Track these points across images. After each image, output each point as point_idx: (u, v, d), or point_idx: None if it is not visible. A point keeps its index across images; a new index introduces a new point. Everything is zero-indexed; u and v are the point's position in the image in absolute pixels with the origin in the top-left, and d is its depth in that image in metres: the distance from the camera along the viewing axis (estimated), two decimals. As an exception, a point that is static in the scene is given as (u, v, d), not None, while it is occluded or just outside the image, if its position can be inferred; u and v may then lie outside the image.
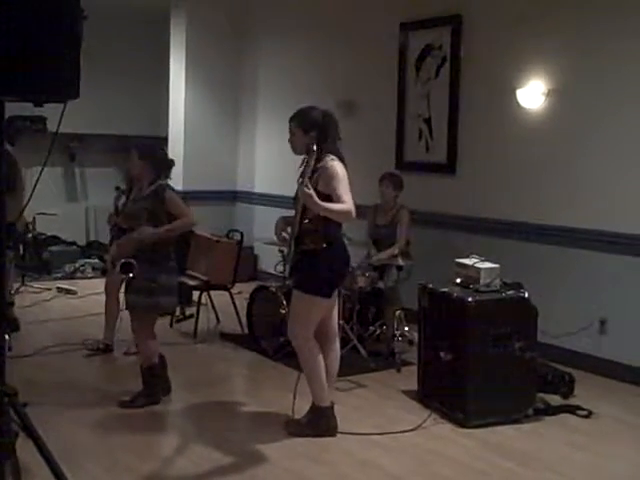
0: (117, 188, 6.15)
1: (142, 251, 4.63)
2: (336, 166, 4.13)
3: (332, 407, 4.37)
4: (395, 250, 5.99)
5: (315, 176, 4.12)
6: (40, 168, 2.99)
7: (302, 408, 4.46)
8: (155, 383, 4.78)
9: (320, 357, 4.29)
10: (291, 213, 4.28)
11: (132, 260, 4.58)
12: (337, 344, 4.48)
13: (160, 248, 4.67)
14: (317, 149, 4.10)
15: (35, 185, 3.05)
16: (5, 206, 2.77)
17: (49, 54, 2.57)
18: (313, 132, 4.17)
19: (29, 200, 3.41)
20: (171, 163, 4.99)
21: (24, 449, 2.96)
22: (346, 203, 4.05)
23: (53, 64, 2.58)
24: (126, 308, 4.82)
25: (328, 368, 4.37)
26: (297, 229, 4.16)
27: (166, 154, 5.10)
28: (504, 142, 6.25)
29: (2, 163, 2.73)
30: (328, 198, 4.06)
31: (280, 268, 4.70)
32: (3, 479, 2.69)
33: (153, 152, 4.93)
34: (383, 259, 5.95)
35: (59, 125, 2.87)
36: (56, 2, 2.57)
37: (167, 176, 4.91)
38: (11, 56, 2.50)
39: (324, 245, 4.14)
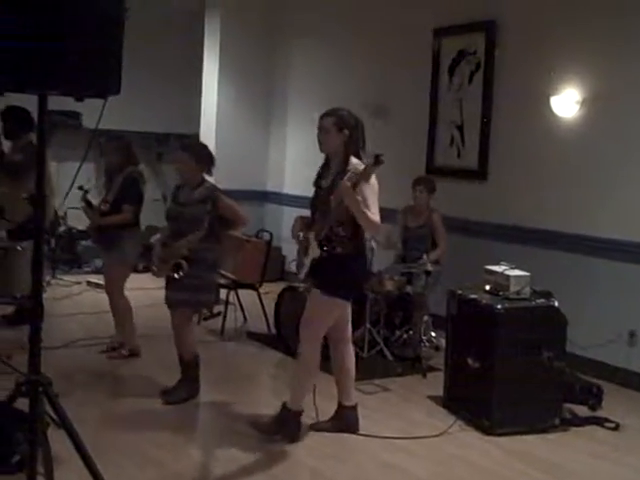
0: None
1: (194, 251, 4.69)
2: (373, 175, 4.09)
3: (300, 414, 4.33)
4: (438, 252, 6.05)
5: (341, 180, 4.06)
6: (73, 163, 3.06)
7: (327, 409, 4.47)
8: (196, 376, 4.87)
9: (316, 364, 4.27)
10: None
11: (183, 262, 4.64)
12: (351, 347, 4.48)
13: (208, 248, 4.74)
14: (346, 152, 4.10)
15: (74, 180, 3.10)
16: (45, 202, 2.81)
17: (92, 49, 2.59)
18: (346, 131, 4.15)
19: (67, 194, 3.45)
20: (214, 159, 4.97)
21: (55, 439, 3.01)
22: (375, 215, 4.02)
23: (95, 59, 2.61)
24: (168, 304, 4.85)
25: (348, 370, 4.40)
26: (325, 232, 4.12)
27: (209, 149, 5.06)
28: (536, 150, 6.21)
29: (44, 157, 2.77)
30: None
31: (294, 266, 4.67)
32: (35, 467, 2.73)
33: (202, 151, 4.93)
34: (431, 261, 5.91)
35: (99, 120, 2.91)
36: (100, -1, 2.61)
37: (210, 172, 4.92)
38: (54, 51, 2.53)
39: (353, 251, 4.14)
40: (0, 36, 2.45)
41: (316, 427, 4.43)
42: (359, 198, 3.94)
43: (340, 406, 4.47)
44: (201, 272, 4.70)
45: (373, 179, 4.06)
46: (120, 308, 5.69)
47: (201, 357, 4.93)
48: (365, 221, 4.03)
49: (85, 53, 2.58)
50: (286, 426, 4.29)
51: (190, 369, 4.87)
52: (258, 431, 4.32)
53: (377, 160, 3.83)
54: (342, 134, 4.15)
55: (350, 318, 4.44)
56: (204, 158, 4.86)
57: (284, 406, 4.32)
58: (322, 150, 4.26)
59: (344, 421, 4.44)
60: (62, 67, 2.56)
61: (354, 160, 4.13)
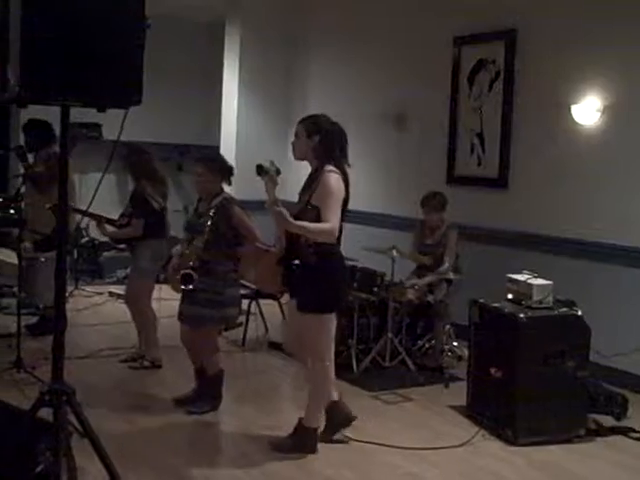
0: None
1: (206, 262, 4.66)
2: (332, 179, 3.98)
3: (317, 430, 4.27)
4: (441, 269, 5.92)
5: (312, 186, 4.05)
6: (94, 174, 3.07)
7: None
8: (219, 391, 4.87)
9: (331, 385, 4.22)
10: None
11: (193, 272, 4.61)
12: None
13: (225, 261, 4.72)
14: (317, 158, 4.05)
15: (96, 191, 3.11)
16: (68, 212, 2.83)
17: (113, 61, 2.61)
18: (316, 137, 4.08)
19: (89, 205, 3.48)
20: (232, 169, 4.97)
21: (78, 448, 3.02)
22: (328, 222, 3.92)
23: (117, 71, 2.63)
24: (183, 319, 4.81)
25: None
26: (285, 244, 4.05)
27: (227, 161, 5.06)
28: (558, 158, 6.18)
29: (67, 168, 2.79)
30: (318, 210, 3.97)
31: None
32: (59, 476, 2.74)
33: (220, 164, 4.92)
34: (425, 284, 5.90)
35: (120, 131, 2.92)
36: (122, 10, 2.63)
37: (229, 183, 4.93)
38: (76, 62, 2.55)
39: (317, 260, 3.99)
40: (24, 49, 2.48)
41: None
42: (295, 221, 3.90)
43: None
44: (222, 287, 4.67)
45: (330, 182, 3.97)
46: (142, 320, 5.70)
47: (223, 367, 4.92)
48: (310, 234, 3.95)
49: (107, 64, 2.60)
50: (303, 444, 4.23)
51: (215, 384, 4.85)
52: (275, 450, 4.24)
53: (257, 171, 3.90)
54: (311, 140, 4.09)
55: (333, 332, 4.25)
56: (220, 169, 4.86)
57: (300, 423, 4.27)
58: (293, 156, 4.21)
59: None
60: (85, 78, 2.58)
61: (328, 168, 4.04)
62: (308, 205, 4.01)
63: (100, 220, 5.52)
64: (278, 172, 3.97)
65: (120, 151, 8.47)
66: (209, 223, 4.63)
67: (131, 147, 5.74)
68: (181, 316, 4.82)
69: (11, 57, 2.57)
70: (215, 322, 4.80)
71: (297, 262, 4.02)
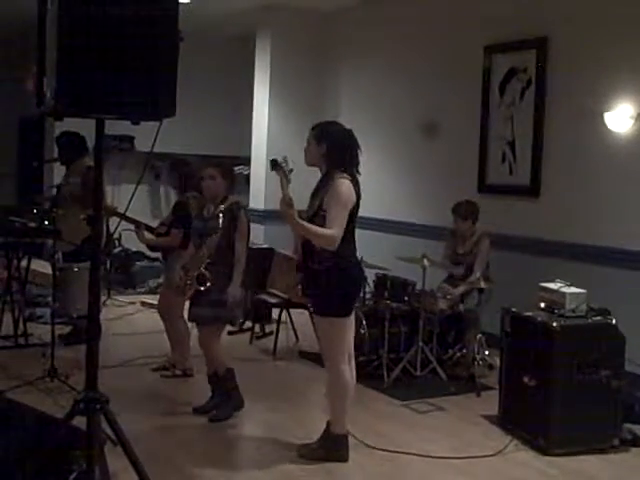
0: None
1: (215, 264, 4.72)
2: (341, 185, 4.00)
3: (347, 436, 4.27)
4: (471, 278, 5.89)
5: (322, 192, 4.07)
6: (126, 186, 3.11)
7: (366, 422, 4.44)
8: (235, 387, 4.90)
9: (349, 385, 4.20)
10: None
11: (206, 272, 4.68)
12: (352, 365, 4.32)
13: (222, 261, 4.76)
14: (326, 164, 4.07)
15: (130, 201, 3.17)
16: (101, 223, 2.87)
17: (148, 74, 2.65)
18: (325, 144, 4.10)
19: (124, 214, 3.52)
20: (237, 179, 5.08)
21: (110, 455, 3.05)
22: (332, 228, 3.93)
23: (151, 84, 2.66)
24: (195, 320, 4.89)
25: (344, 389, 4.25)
26: (301, 249, 4.09)
27: (235, 170, 5.15)
28: (590, 166, 6.12)
29: (102, 180, 2.83)
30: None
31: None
32: (93, 484, 2.77)
33: (232, 171, 5.06)
34: (457, 294, 5.88)
35: (154, 143, 2.96)
36: (156, 24, 2.66)
37: (232, 191, 4.99)
38: (111, 76, 2.59)
39: (329, 265, 4.02)
40: (60, 62, 2.52)
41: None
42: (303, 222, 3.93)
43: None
44: (224, 288, 4.71)
45: (339, 187, 3.99)
46: (174, 329, 5.73)
47: (253, 376, 4.97)
48: (312, 237, 3.97)
49: (142, 77, 2.64)
50: (332, 451, 4.23)
51: (227, 382, 4.89)
52: (304, 457, 4.24)
53: (271, 166, 3.90)
54: (320, 147, 4.12)
55: (351, 335, 4.29)
56: (231, 176, 4.97)
57: (328, 431, 4.27)
58: (305, 162, 4.22)
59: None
60: (120, 91, 2.62)
61: (339, 174, 4.05)
62: (320, 210, 4.03)
63: (139, 226, 5.60)
64: (291, 170, 3.97)
65: (163, 164, 8.59)
66: (220, 226, 4.71)
67: (176, 160, 5.82)
68: (190, 317, 4.92)
69: (48, 70, 2.62)
70: (220, 322, 4.85)
71: (315, 268, 4.05)
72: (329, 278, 4.05)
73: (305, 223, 3.96)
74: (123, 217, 5.28)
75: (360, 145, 4.19)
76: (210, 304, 4.73)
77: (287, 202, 3.86)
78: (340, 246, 4.00)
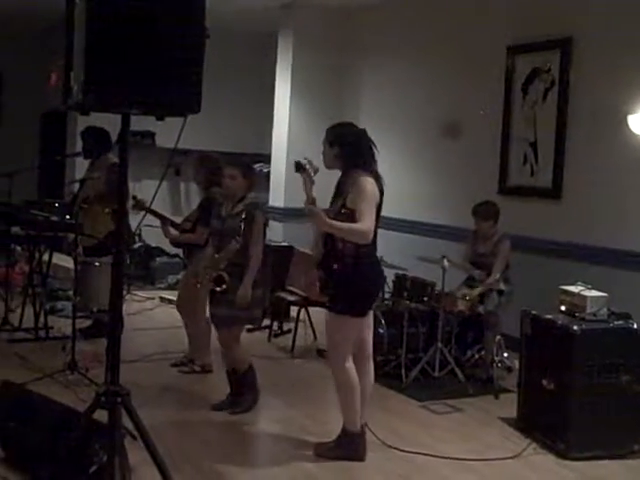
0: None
1: (236, 265, 4.73)
2: (365, 182, 4.02)
3: (363, 433, 4.27)
4: (490, 280, 5.85)
5: (344, 192, 4.07)
6: (147, 182, 3.11)
7: (382, 420, 4.43)
8: (254, 381, 4.94)
9: (356, 381, 4.19)
10: None
11: (225, 274, 4.69)
12: (371, 366, 4.34)
13: (237, 261, 4.76)
14: (342, 166, 4.10)
15: (154, 197, 3.18)
16: (125, 218, 2.89)
17: (174, 70, 2.67)
18: (336, 146, 4.13)
19: (146, 212, 3.53)
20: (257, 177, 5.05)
21: (130, 448, 3.07)
22: (363, 223, 3.94)
23: (177, 79, 2.68)
24: (215, 321, 4.91)
25: (362, 391, 4.25)
26: (322, 249, 4.10)
27: (254, 168, 5.14)
28: (613, 168, 6.08)
29: (126, 176, 2.84)
30: (353, 213, 3.99)
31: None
32: (113, 476, 2.79)
33: (253, 171, 5.05)
34: (476, 294, 5.86)
35: (178, 139, 2.97)
36: (183, 20, 2.68)
37: (252, 190, 4.99)
38: (138, 71, 2.62)
39: (350, 264, 4.03)
40: (87, 57, 2.54)
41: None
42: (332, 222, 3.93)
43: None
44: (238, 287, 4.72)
45: (363, 184, 4.00)
46: (193, 325, 5.73)
47: (271, 373, 4.98)
48: (344, 234, 3.98)
49: (168, 73, 2.66)
50: (348, 449, 4.23)
51: (248, 377, 4.93)
52: (321, 456, 4.25)
53: (295, 167, 3.94)
54: (333, 149, 4.14)
55: (369, 335, 4.30)
56: (251, 175, 4.96)
57: (344, 429, 4.26)
58: (324, 165, 4.23)
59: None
60: (146, 87, 2.64)
61: (357, 172, 4.06)
62: (343, 209, 4.03)
63: (166, 222, 5.62)
64: (316, 171, 3.99)
65: (184, 159, 8.55)
66: (240, 228, 4.72)
67: (203, 156, 5.79)
68: (210, 317, 4.94)
69: (75, 65, 2.64)
70: (240, 322, 4.86)
71: (335, 266, 4.05)
72: (349, 277, 4.05)
73: (335, 222, 3.95)
74: (152, 212, 5.34)
75: (375, 143, 4.20)
76: (228, 305, 4.74)
77: (311, 203, 3.88)
78: (361, 245, 4.01)
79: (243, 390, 4.93)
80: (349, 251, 4.02)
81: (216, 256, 4.82)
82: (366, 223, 3.95)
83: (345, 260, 4.04)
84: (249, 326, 5.86)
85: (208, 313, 5.02)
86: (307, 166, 3.95)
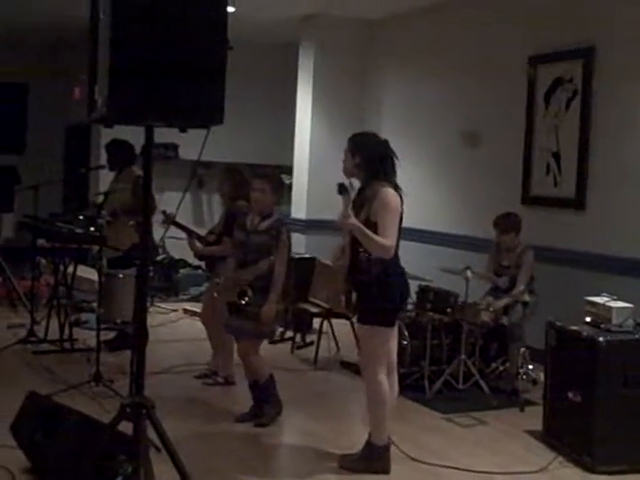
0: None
1: (259, 279, 4.75)
2: (387, 194, 4.02)
3: (389, 446, 4.24)
4: (514, 292, 5.81)
5: (366, 203, 4.06)
6: (170, 194, 3.13)
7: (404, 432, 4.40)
8: (276, 392, 4.93)
9: (387, 396, 4.16)
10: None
11: (248, 288, 4.72)
12: (395, 378, 4.32)
13: (259, 275, 4.78)
14: (362, 176, 4.10)
15: (177, 209, 3.20)
16: (150, 230, 2.91)
17: (197, 82, 2.69)
18: (358, 156, 4.13)
19: (169, 223, 3.55)
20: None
21: (154, 460, 3.07)
22: (387, 238, 3.95)
23: (200, 92, 2.70)
24: (233, 334, 4.94)
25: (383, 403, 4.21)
26: (350, 259, 4.12)
27: (283, 180, 5.13)
28: (637, 178, 6.02)
29: (151, 188, 2.86)
30: (377, 226, 3.99)
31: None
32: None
33: (279, 181, 5.01)
34: (501, 306, 5.82)
35: (202, 151, 2.99)
36: (206, 32, 2.70)
37: (279, 203, 5.01)
38: (161, 84, 2.64)
39: (378, 274, 4.03)
40: (112, 71, 2.56)
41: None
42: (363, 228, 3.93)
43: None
44: (263, 302, 4.71)
45: (388, 197, 4.00)
46: (217, 338, 5.72)
47: (294, 385, 4.97)
48: (368, 242, 3.96)
49: (191, 85, 2.68)
50: (373, 463, 4.20)
51: (270, 388, 4.92)
52: (344, 468, 4.22)
53: (339, 190, 3.91)
54: (355, 159, 4.15)
55: (393, 346, 4.29)
56: (280, 189, 4.95)
57: (369, 442, 4.24)
58: (344, 174, 4.24)
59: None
60: (169, 99, 2.66)
61: (379, 184, 4.06)
62: (368, 222, 4.01)
63: (192, 235, 5.65)
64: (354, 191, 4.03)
65: (206, 171, 8.53)
66: (267, 245, 4.74)
67: (230, 168, 5.81)
68: (228, 329, 4.95)
69: (99, 78, 2.67)
70: (258, 335, 4.86)
71: (361, 278, 4.07)
72: (375, 287, 4.05)
73: (365, 229, 3.94)
74: (180, 226, 5.38)
75: (397, 154, 4.20)
76: (248, 318, 4.74)
77: (350, 219, 3.91)
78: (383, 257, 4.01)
79: (266, 401, 4.93)
80: (375, 262, 4.02)
81: (242, 272, 4.81)
82: (389, 239, 3.97)
83: (371, 271, 4.04)
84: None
85: (224, 324, 5.02)
86: (351, 189, 3.97)
